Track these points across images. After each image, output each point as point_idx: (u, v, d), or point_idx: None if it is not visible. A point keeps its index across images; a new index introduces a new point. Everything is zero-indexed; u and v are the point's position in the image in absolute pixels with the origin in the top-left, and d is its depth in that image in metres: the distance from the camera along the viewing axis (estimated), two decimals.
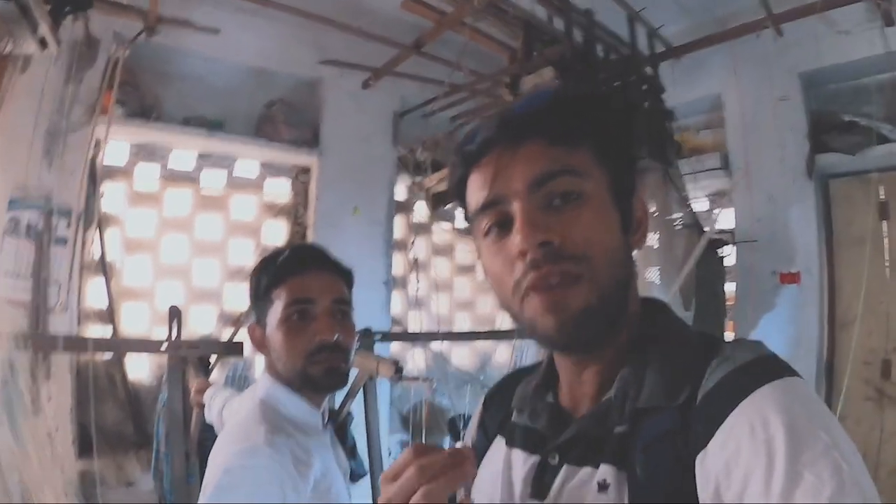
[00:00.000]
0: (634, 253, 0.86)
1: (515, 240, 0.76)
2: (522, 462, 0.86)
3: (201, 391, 2.45)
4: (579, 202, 0.77)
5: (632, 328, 0.83)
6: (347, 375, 1.52)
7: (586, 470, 0.76)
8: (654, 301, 0.89)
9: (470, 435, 1.05)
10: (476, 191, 0.82)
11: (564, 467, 0.79)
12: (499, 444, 0.93)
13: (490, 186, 0.80)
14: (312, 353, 1.45)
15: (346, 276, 1.57)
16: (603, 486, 0.72)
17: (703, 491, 0.65)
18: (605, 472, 0.73)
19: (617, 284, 0.78)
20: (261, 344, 1.54)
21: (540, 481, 0.81)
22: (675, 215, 4.08)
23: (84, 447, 3.51)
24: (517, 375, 1.01)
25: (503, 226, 0.79)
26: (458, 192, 0.88)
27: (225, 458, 1.31)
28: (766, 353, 0.72)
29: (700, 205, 4.58)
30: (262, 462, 1.28)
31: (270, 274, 1.50)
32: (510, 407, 0.95)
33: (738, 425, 0.64)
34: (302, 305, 1.46)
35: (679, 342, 0.81)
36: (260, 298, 1.52)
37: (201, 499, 1.29)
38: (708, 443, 0.66)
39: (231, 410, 1.99)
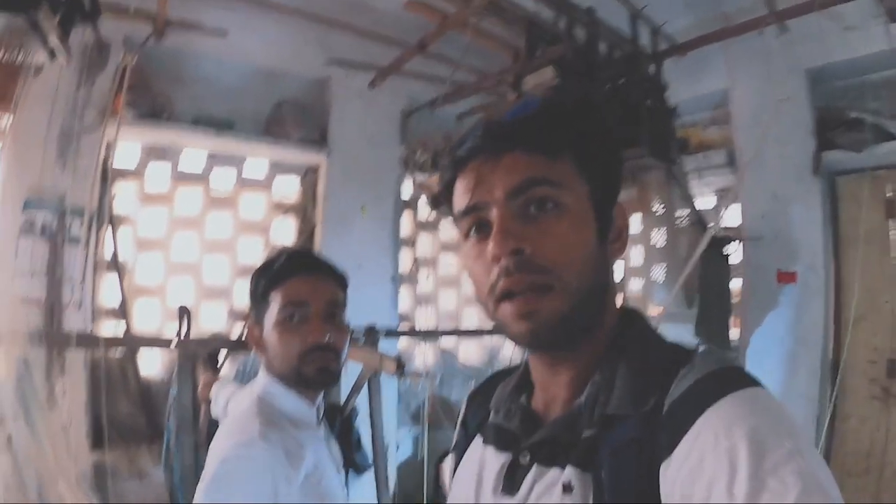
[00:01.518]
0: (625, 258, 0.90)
1: (490, 245, 0.78)
2: (495, 459, 0.88)
3: (208, 386, 2.51)
4: (556, 212, 0.79)
5: (607, 335, 0.85)
6: (339, 374, 1.58)
7: (555, 471, 0.78)
8: (631, 310, 0.91)
9: (455, 436, 1.08)
10: (460, 195, 0.85)
11: (534, 467, 0.81)
12: (477, 443, 0.96)
13: (472, 193, 0.82)
14: (305, 353, 1.51)
15: (339, 280, 1.63)
16: (567, 488, 0.74)
17: (668, 499, 0.66)
18: (571, 474, 0.75)
19: (589, 292, 0.80)
20: (258, 343, 1.60)
21: (511, 479, 0.84)
22: (679, 213, 4.08)
23: (97, 440, 3.60)
24: (498, 376, 1.04)
25: (482, 230, 0.82)
26: (445, 195, 0.91)
27: (222, 450, 1.38)
28: (732, 364, 0.74)
29: (707, 202, 4.56)
30: (255, 454, 1.35)
31: (268, 277, 1.56)
32: (489, 407, 0.97)
33: (703, 434, 0.65)
34: (296, 308, 1.52)
35: (650, 352, 0.82)
36: (258, 300, 1.58)
37: (199, 487, 1.36)
38: (672, 451, 0.67)
39: (235, 404, 2.06)
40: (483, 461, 0.91)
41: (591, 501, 0.72)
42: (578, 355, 0.84)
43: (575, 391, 0.83)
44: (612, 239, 0.85)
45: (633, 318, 0.89)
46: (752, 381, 0.70)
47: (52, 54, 3.01)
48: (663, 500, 0.66)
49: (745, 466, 0.60)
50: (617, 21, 3.89)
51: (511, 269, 0.77)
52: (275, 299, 1.53)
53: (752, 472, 0.60)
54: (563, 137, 0.82)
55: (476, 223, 0.83)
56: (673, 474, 0.66)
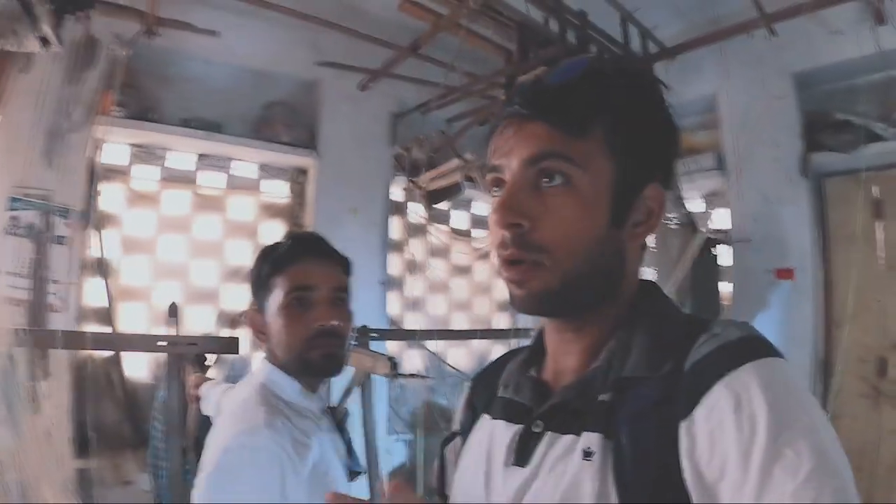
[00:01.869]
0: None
1: (493, 213, 0.80)
2: (505, 431, 0.87)
3: (198, 385, 2.46)
4: (565, 189, 0.79)
5: (623, 306, 0.85)
6: (344, 361, 1.54)
7: (569, 437, 0.77)
8: (647, 283, 0.91)
9: (457, 419, 1.07)
10: (490, 151, 0.86)
11: (548, 434, 0.80)
12: (484, 420, 0.95)
13: (494, 153, 0.84)
14: (311, 338, 1.48)
15: (345, 265, 1.60)
16: (588, 454, 0.73)
17: (685, 458, 0.66)
18: (590, 440, 0.74)
19: (586, 275, 0.80)
20: (260, 330, 1.56)
21: (523, 448, 0.82)
22: (669, 215, 4.10)
23: (81, 446, 3.52)
24: (505, 358, 1.03)
25: (502, 188, 0.83)
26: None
27: (224, 439, 1.33)
28: (755, 333, 0.74)
29: (696, 205, 4.59)
30: (261, 442, 1.30)
31: (271, 261, 1.54)
32: (497, 385, 0.96)
33: (724, 398, 0.65)
34: (302, 292, 1.49)
35: (667, 318, 0.83)
36: (260, 286, 1.55)
37: (199, 478, 1.30)
38: (692, 411, 0.67)
39: (228, 399, 2.00)
40: (492, 436, 0.90)
41: (610, 468, 0.71)
42: (591, 326, 0.85)
43: (588, 359, 0.84)
44: (635, 222, 0.83)
45: (649, 289, 0.89)
46: (774, 352, 0.71)
47: (44, 42, 2.96)
48: (682, 459, 0.66)
49: (763, 435, 0.62)
50: (608, 24, 3.91)
51: (507, 242, 0.79)
52: (279, 284, 1.50)
53: (769, 442, 0.61)
54: (592, 114, 0.80)
55: (497, 183, 0.84)
56: (693, 434, 0.67)
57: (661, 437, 0.69)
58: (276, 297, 1.50)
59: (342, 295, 1.56)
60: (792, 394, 0.66)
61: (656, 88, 0.87)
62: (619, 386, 0.76)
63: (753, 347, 0.71)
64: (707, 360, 0.71)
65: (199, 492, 1.30)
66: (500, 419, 0.90)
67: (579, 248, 0.79)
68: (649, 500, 0.68)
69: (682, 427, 0.67)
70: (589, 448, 0.73)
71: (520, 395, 0.90)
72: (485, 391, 1.00)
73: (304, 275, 1.51)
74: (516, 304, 0.83)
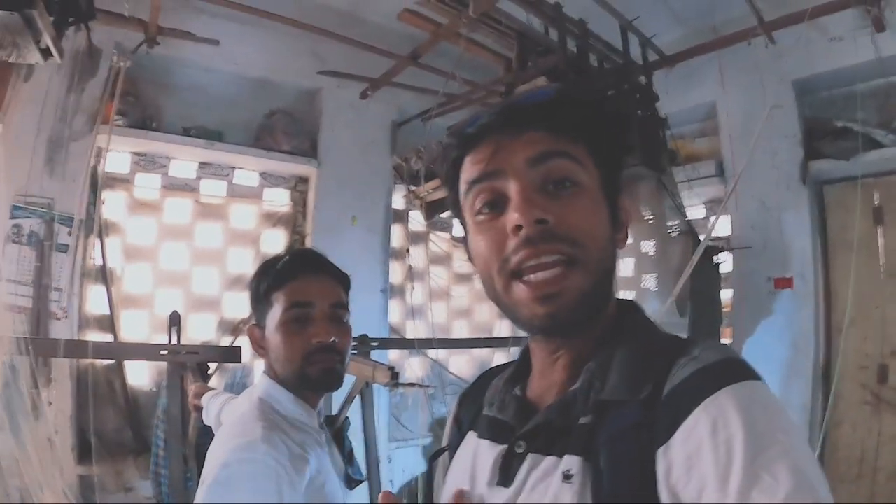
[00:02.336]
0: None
1: (511, 216, 0.77)
2: (489, 451, 0.87)
3: (199, 395, 2.47)
4: (575, 190, 0.79)
5: (605, 322, 0.85)
6: (343, 377, 1.55)
7: (551, 459, 0.78)
8: (626, 301, 0.91)
9: (446, 433, 1.07)
10: (471, 167, 0.84)
11: (530, 456, 0.80)
12: (470, 437, 0.95)
13: (486, 162, 0.81)
14: (310, 354, 1.48)
15: (343, 281, 1.61)
16: (567, 476, 0.73)
17: (662, 483, 0.66)
18: (570, 462, 0.74)
19: (607, 273, 0.81)
20: (259, 345, 1.57)
21: (506, 469, 0.83)
22: (670, 223, 4.10)
23: (83, 453, 3.53)
24: (491, 373, 1.03)
25: (495, 206, 0.81)
26: (450, 176, 0.90)
27: (223, 454, 1.32)
28: (733, 355, 0.74)
29: (696, 212, 4.60)
30: (258, 457, 1.30)
31: (270, 277, 1.54)
32: (483, 402, 0.96)
33: (701, 423, 0.65)
34: (300, 309, 1.50)
35: (646, 339, 0.83)
36: (260, 301, 1.55)
37: (199, 492, 1.31)
38: (671, 437, 0.67)
39: (228, 411, 2.01)
40: (476, 455, 0.90)
41: (589, 490, 0.71)
42: (577, 343, 0.84)
43: (571, 377, 0.83)
44: (617, 229, 0.85)
45: (629, 308, 0.89)
46: (752, 374, 0.71)
47: (45, 54, 2.98)
48: (660, 484, 0.66)
49: (739, 459, 0.61)
50: (607, 33, 3.92)
51: (535, 239, 0.76)
52: (278, 300, 1.51)
53: (746, 465, 0.60)
54: (580, 122, 0.82)
55: (488, 197, 0.82)
56: (670, 459, 0.66)
57: (639, 462, 0.69)
58: (274, 313, 1.51)
59: (340, 311, 1.56)
60: (769, 416, 0.66)
61: (618, 111, 0.90)
62: (598, 408, 0.76)
63: (731, 371, 0.70)
64: (685, 384, 0.71)
65: None
66: (485, 438, 0.90)
67: (602, 244, 0.80)
68: None
69: (660, 452, 0.67)
70: (569, 471, 0.74)
71: (503, 414, 0.90)
72: (471, 407, 1.00)
73: (302, 291, 1.51)
74: (541, 322, 0.79)
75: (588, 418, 0.76)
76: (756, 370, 0.71)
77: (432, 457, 1.04)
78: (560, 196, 0.78)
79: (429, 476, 1.04)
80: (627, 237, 0.88)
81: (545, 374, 0.88)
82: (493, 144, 0.81)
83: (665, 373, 0.73)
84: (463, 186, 0.86)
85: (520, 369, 0.95)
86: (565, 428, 0.78)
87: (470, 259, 0.89)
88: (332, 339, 1.49)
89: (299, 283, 1.52)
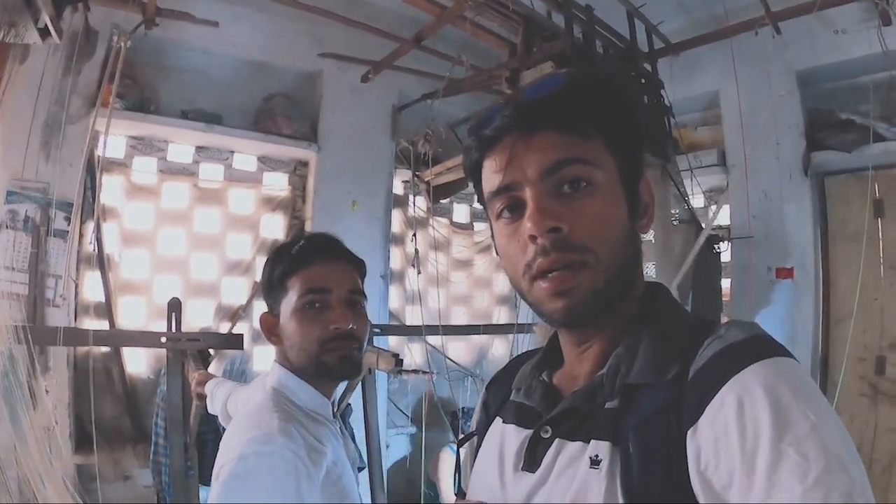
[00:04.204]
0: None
1: (527, 225, 0.79)
2: (515, 436, 0.88)
3: (202, 383, 2.45)
4: (589, 190, 0.80)
5: (633, 309, 0.85)
6: (361, 365, 1.53)
7: (577, 444, 0.78)
8: (655, 285, 0.91)
9: (474, 419, 1.09)
10: (490, 175, 0.85)
11: (556, 441, 0.81)
12: (497, 423, 0.96)
13: (504, 172, 0.82)
14: (327, 341, 1.45)
15: (359, 267, 1.58)
16: (595, 462, 0.74)
17: (693, 467, 0.66)
18: (598, 447, 0.74)
19: (622, 268, 0.81)
20: (273, 333, 1.54)
21: (532, 454, 0.83)
22: (672, 211, 4.10)
23: (81, 441, 3.51)
24: (520, 359, 1.05)
25: (515, 209, 0.83)
26: (473, 175, 0.92)
27: (239, 446, 1.30)
28: (760, 333, 0.73)
29: (697, 201, 4.60)
30: (276, 450, 1.28)
31: (286, 263, 1.50)
32: (511, 388, 0.98)
33: (727, 402, 0.65)
34: (318, 294, 1.46)
35: (673, 322, 0.83)
36: (274, 287, 1.52)
37: (214, 485, 1.29)
38: (698, 418, 0.67)
39: (238, 401, 1.99)
40: (503, 440, 0.91)
41: (618, 475, 0.71)
42: (604, 331, 0.85)
43: (599, 365, 0.84)
44: (639, 215, 0.86)
45: (657, 292, 0.89)
46: (780, 351, 0.70)
47: (43, 34, 2.92)
48: (690, 467, 0.66)
49: (767, 437, 0.61)
50: (614, 19, 3.89)
51: (548, 248, 0.78)
52: (293, 286, 1.48)
53: (773, 444, 0.60)
54: (592, 116, 0.82)
55: (507, 203, 0.84)
56: (699, 441, 0.66)
57: (668, 445, 0.68)
58: (290, 299, 1.48)
59: (357, 297, 1.53)
60: (797, 393, 0.64)
61: (630, 95, 0.90)
62: (625, 393, 0.76)
63: (757, 348, 0.70)
64: (711, 364, 0.70)
65: (213, 498, 1.29)
66: (511, 423, 0.92)
67: (615, 242, 0.80)
68: None
69: (689, 434, 0.67)
70: (597, 456, 0.74)
71: (530, 400, 0.91)
72: (499, 393, 1.02)
73: (319, 277, 1.48)
74: (559, 316, 0.81)
75: (615, 403, 0.77)
76: (784, 347, 0.71)
77: (460, 442, 1.06)
78: (575, 197, 0.79)
79: (458, 461, 1.03)
80: (651, 220, 0.88)
81: (574, 364, 0.89)
82: (507, 149, 0.82)
83: (692, 353, 0.73)
84: (486, 190, 0.88)
85: (547, 355, 0.96)
86: (592, 413, 0.79)
87: (497, 254, 0.91)
88: (350, 326, 1.47)
89: (316, 269, 1.49)
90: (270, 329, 1.54)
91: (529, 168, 0.80)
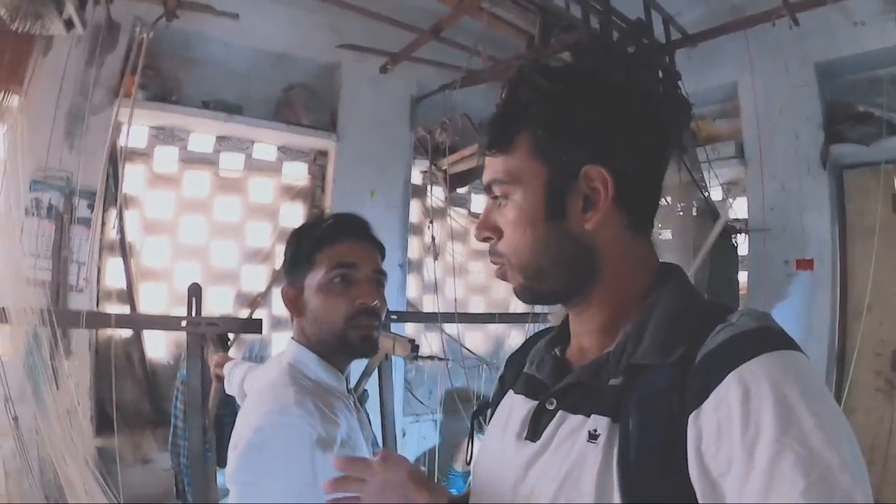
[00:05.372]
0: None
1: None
2: (522, 406, 0.91)
3: (221, 365, 2.49)
4: (507, 204, 0.88)
5: (641, 287, 0.87)
6: (378, 343, 1.56)
7: (578, 418, 0.80)
8: (670, 266, 0.92)
9: (493, 391, 1.11)
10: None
11: (559, 413, 0.83)
12: (509, 394, 0.99)
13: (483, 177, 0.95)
14: (352, 316, 1.48)
15: (382, 250, 1.62)
16: (593, 436, 0.75)
17: (692, 450, 0.67)
18: (598, 422, 0.76)
19: (544, 269, 0.87)
20: (295, 306, 1.56)
21: (535, 424, 0.86)
22: (689, 202, 4.08)
23: (102, 424, 3.57)
24: (538, 336, 1.07)
25: None
26: None
27: (256, 418, 1.33)
28: (771, 324, 0.74)
29: (715, 193, 4.57)
30: (292, 421, 1.31)
31: (314, 238, 1.53)
32: (525, 362, 1.01)
33: (733, 390, 0.66)
34: (345, 269, 1.49)
35: (684, 304, 0.83)
36: (299, 261, 1.54)
37: (231, 457, 1.33)
38: (702, 403, 0.67)
39: (254, 379, 2.02)
40: (511, 409, 0.94)
41: (615, 451, 0.72)
42: (597, 308, 0.88)
43: (606, 340, 0.86)
44: (583, 209, 0.84)
45: (671, 273, 0.90)
46: (789, 344, 0.71)
47: (67, 25, 2.98)
48: (689, 450, 0.67)
49: (770, 429, 0.61)
50: (631, 10, 3.87)
51: (489, 251, 0.93)
52: (322, 261, 1.50)
53: (776, 436, 0.61)
54: (512, 130, 0.87)
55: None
56: (700, 425, 0.67)
57: (668, 426, 0.69)
58: (317, 274, 1.50)
59: (381, 277, 1.57)
60: (805, 387, 0.65)
61: (589, 77, 0.90)
62: (630, 371, 0.77)
63: (767, 339, 0.70)
64: (719, 350, 0.71)
65: (230, 470, 1.32)
66: (521, 394, 0.95)
67: (524, 249, 0.87)
68: (651, 486, 0.69)
69: (692, 418, 0.68)
70: (595, 430, 0.76)
71: (540, 373, 0.94)
72: (515, 367, 1.04)
73: (348, 252, 1.51)
74: (517, 295, 0.93)
75: (618, 380, 0.78)
76: (793, 340, 0.71)
77: (475, 413, 1.09)
78: (500, 211, 0.89)
79: (470, 431, 1.07)
80: (606, 204, 0.83)
81: (581, 338, 0.92)
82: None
83: (701, 338, 0.74)
84: None
85: (561, 332, 0.99)
86: (595, 388, 0.80)
87: None
88: (375, 303, 1.50)
89: (345, 245, 1.51)
90: (292, 301, 1.56)
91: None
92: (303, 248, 1.54)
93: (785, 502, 0.58)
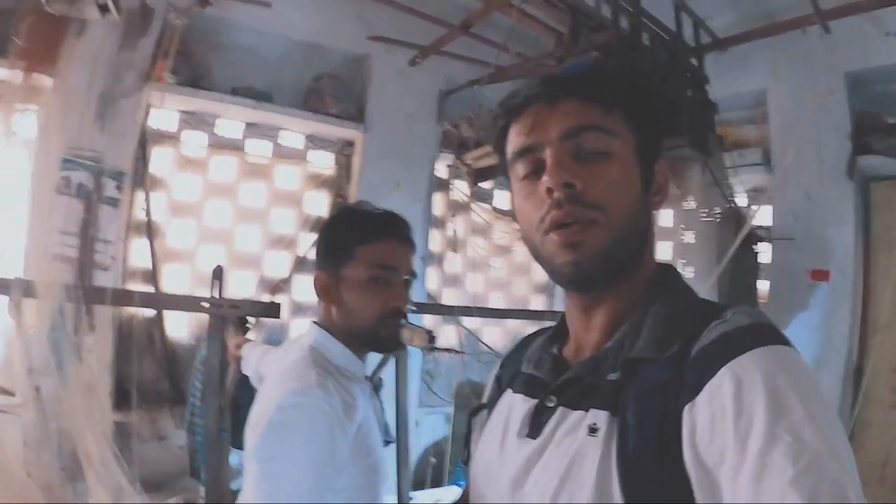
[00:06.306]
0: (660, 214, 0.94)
1: (544, 180, 0.84)
2: (522, 405, 0.93)
3: (239, 346, 2.53)
4: (605, 158, 0.86)
5: (642, 286, 0.90)
6: (401, 340, 1.61)
7: (579, 413, 0.81)
8: (665, 265, 0.96)
9: (486, 392, 1.13)
10: (515, 137, 0.92)
11: (559, 409, 0.85)
12: (507, 394, 1.00)
13: (528, 134, 0.89)
14: (385, 316, 1.54)
15: (415, 251, 1.66)
16: (593, 430, 0.77)
17: (686, 441, 0.69)
18: (597, 416, 0.78)
19: (631, 232, 0.86)
20: (326, 293, 1.59)
21: (536, 422, 0.87)
22: (713, 207, 4.06)
23: (120, 400, 3.63)
24: (532, 336, 1.10)
25: (535, 172, 0.88)
26: (497, 143, 0.98)
27: (277, 397, 1.37)
28: (764, 320, 0.76)
29: (740, 200, 4.55)
30: (313, 401, 1.34)
31: (358, 230, 1.57)
32: (522, 361, 1.02)
33: (726, 383, 0.68)
34: (387, 271, 1.54)
35: (680, 302, 0.87)
36: (339, 250, 1.58)
37: (251, 434, 1.36)
38: (696, 396, 0.70)
39: (270, 360, 2.06)
40: (511, 408, 0.95)
41: (615, 445, 0.74)
42: (613, 300, 0.90)
43: (606, 337, 0.88)
44: (653, 192, 0.91)
45: (667, 271, 0.94)
46: (782, 339, 0.73)
47: (102, 10, 3.04)
48: (684, 442, 0.69)
49: (762, 420, 0.63)
50: (661, 12, 3.86)
51: (563, 201, 0.83)
52: (363, 255, 1.54)
53: (768, 427, 0.62)
54: (615, 91, 0.89)
55: (529, 166, 0.89)
56: (694, 417, 0.69)
57: (665, 419, 0.71)
58: (357, 267, 1.54)
59: (412, 280, 1.62)
60: (796, 381, 0.67)
61: (651, 85, 0.95)
62: (627, 366, 0.80)
63: (760, 334, 0.73)
64: (713, 345, 0.73)
65: (250, 446, 1.36)
66: (520, 393, 0.95)
67: (627, 207, 0.85)
68: (649, 478, 0.70)
69: (686, 410, 0.70)
70: (595, 424, 0.77)
71: (539, 371, 0.95)
72: (510, 367, 1.06)
73: (391, 254, 1.55)
74: (568, 270, 0.85)
75: (616, 375, 0.80)
76: (786, 336, 0.74)
77: (471, 413, 1.10)
78: (590, 163, 0.85)
79: (467, 431, 1.09)
80: (665, 198, 0.94)
81: (580, 335, 0.94)
82: (532, 115, 0.89)
83: (696, 334, 0.76)
84: (509, 155, 0.93)
85: (559, 331, 1.01)
86: (594, 384, 0.82)
87: (515, 220, 0.96)
88: (408, 306, 1.56)
89: (388, 245, 1.56)
90: (325, 288, 1.59)
91: (552, 130, 0.86)
92: (346, 238, 1.58)
93: (775, 489, 0.59)
